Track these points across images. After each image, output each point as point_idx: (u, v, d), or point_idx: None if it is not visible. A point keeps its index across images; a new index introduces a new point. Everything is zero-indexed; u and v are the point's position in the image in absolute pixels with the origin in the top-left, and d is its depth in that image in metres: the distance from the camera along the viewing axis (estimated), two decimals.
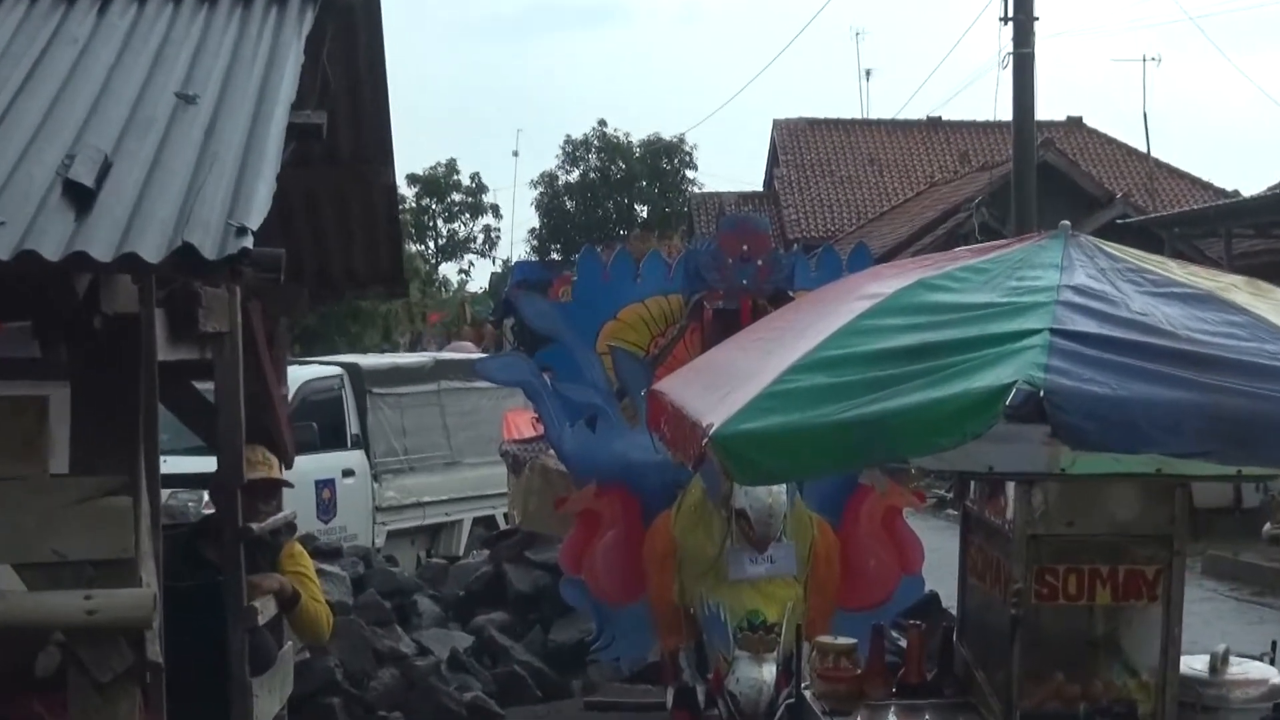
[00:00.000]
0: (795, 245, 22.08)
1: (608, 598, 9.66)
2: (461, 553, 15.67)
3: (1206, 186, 40.15)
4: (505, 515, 15.66)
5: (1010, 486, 5.32)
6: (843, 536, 9.49)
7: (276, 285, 5.68)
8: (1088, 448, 4.75)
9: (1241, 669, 5.47)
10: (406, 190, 59.97)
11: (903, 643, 6.21)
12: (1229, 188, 38.86)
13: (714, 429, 4.58)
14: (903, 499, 9.78)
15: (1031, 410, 4.42)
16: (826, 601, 9.27)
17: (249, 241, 4.38)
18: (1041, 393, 4.40)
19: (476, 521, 17.03)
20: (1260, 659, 5.62)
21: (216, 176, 4.73)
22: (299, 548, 7.43)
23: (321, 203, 7.79)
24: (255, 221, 4.49)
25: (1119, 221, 27.67)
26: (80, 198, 4.54)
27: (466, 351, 20.97)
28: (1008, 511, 5.33)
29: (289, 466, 7.64)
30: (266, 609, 6.75)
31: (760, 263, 9.82)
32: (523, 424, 13.32)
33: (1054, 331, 4.61)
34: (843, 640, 5.78)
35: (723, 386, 5.04)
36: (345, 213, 7.89)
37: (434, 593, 12.56)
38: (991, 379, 4.46)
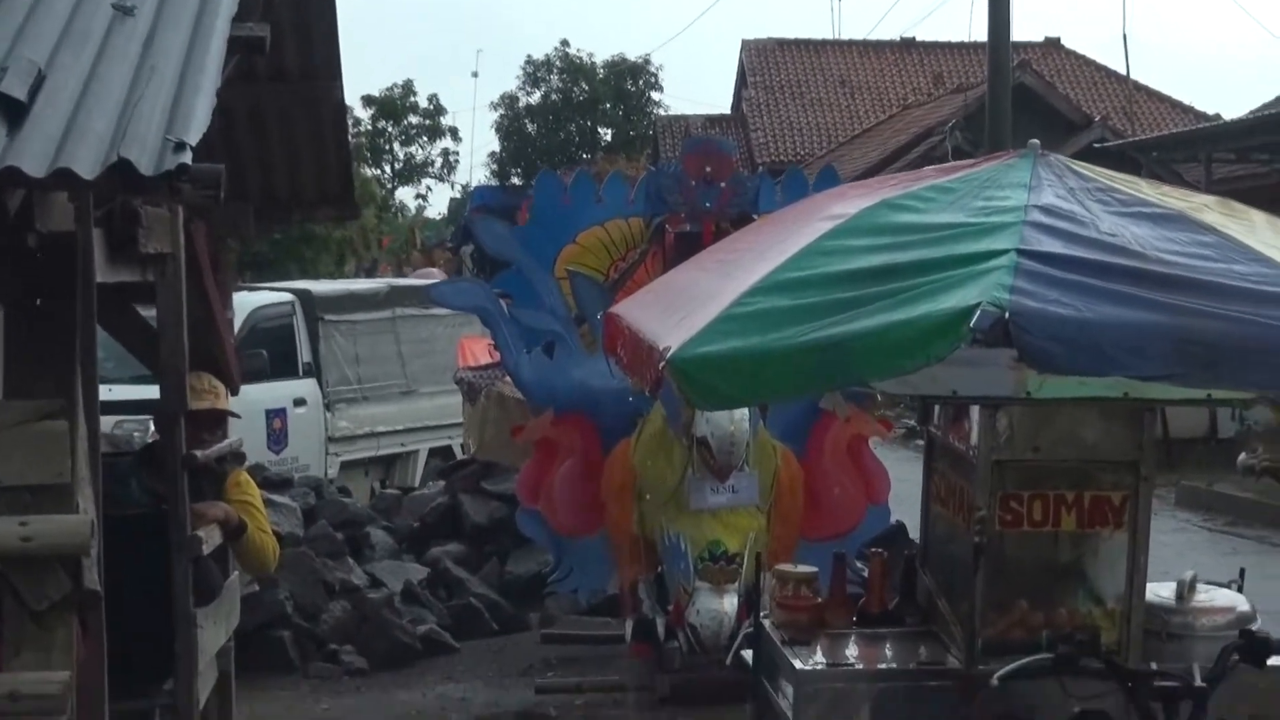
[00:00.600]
0: (761, 169, 21.95)
1: (565, 529, 9.58)
2: (417, 484, 15.52)
3: (1187, 110, 39.97)
4: (462, 445, 15.53)
5: (974, 411, 5.20)
6: (807, 466, 9.43)
7: (219, 204, 5.50)
8: (1053, 371, 4.62)
9: (1208, 597, 5.37)
10: (361, 113, 59.48)
11: (866, 572, 6.10)
12: (1210, 111, 38.67)
13: (671, 352, 4.44)
14: (869, 428, 9.70)
15: (997, 333, 4.30)
16: (790, 531, 9.21)
17: (187, 157, 4.23)
18: (1007, 314, 4.26)
19: (433, 452, 16.89)
20: (1228, 587, 5.52)
21: (154, 91, 4.57)
22: (245, 476, 7.28)
23: (268, 121, 7.62)
24: (194, 137, 4.33)
25: (1096, 145, 27.59)
26: (12, 111, 4.36)
27: (432, 279, 20.75)
28: (972, 437, 5.21)
29: (235, 394, 7.49)
30: (211, 538, 6.61)
31: (724, 185, 9.70)
32: (479, 351, 13.22)
33: (1020, 252, 4.47)
34: (803, 569, 5.66)
35: (681, 309, 4.90)
36: (292, 131, 7.72)
37: (387, 524, 12.43)
38: (956, 301, 4.33)
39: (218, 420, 7.21)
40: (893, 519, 9.81)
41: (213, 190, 4.49)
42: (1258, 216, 5.23)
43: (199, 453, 6.68)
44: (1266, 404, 17.77)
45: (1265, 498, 17.37)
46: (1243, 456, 18.69)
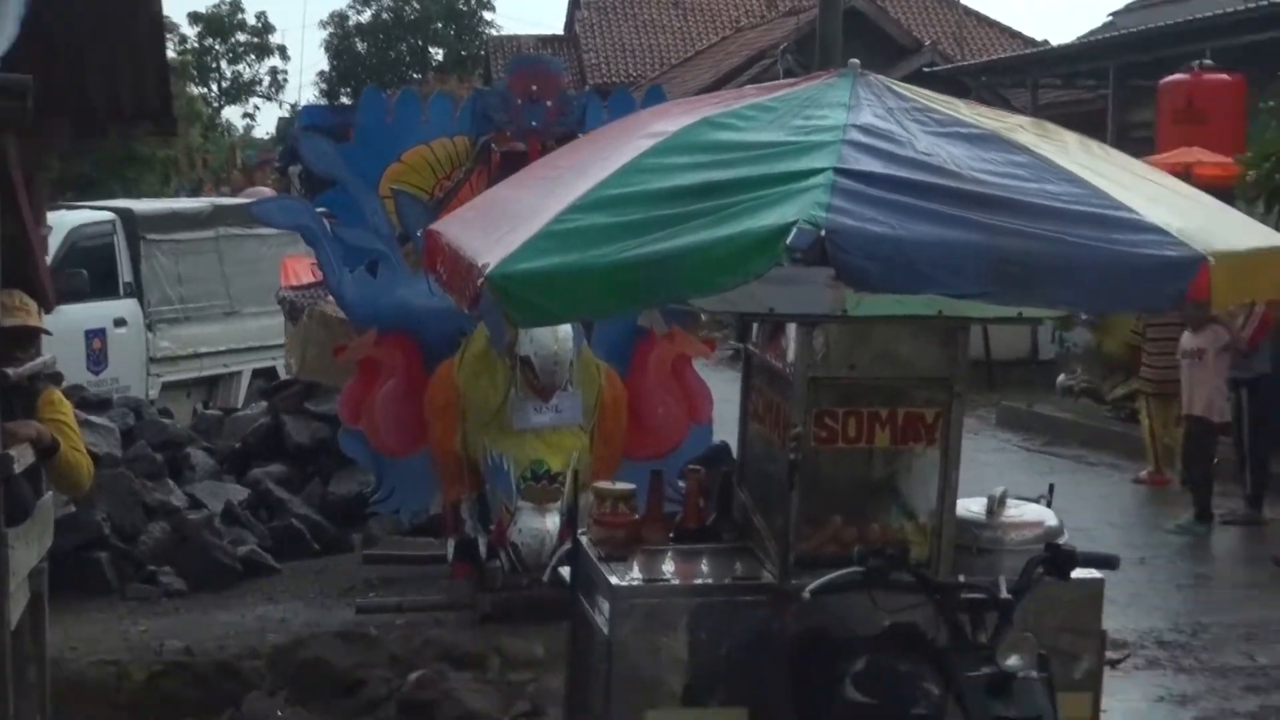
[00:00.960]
0: (588, 89, 21.84)
1: (387, 449, 9.53)
2: (240, 405, 15.34)
3: (1015, 36, 40.48)
4: (285, 365, 15.37)
5: (791, 329, 5.24)
6: (631, 385, 9.46)
7: (27, 116, 5.35)
8: (869, 288, 4.68)
9: (1017, 512, 5.48)
10: (188, 30, 58.38)
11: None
12: (1038, 37, 39.33)
13: (490, 269, 4.44)
14: (693, 348, 9.76)
15: (816, 251, 4.34)
16: (613, 451, 9.25)
17: None
18: (823, 232, 4.31)
19: (256, 373, 16.67)
20: (1037, 502, 5.64)
21: None
22: (58, 395, 7.13)
23: (82, 33, 7.40)
24: (1, 48, 4.20)
25: (926, 70, 27.85)
26: None
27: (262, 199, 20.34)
28: (789, 354, 5.25)
29: (49, 312, 7.33)
30: (23, 457, 6.47)
31: (550, 105, 9.66)
32: (301, 270, 13.03)
33: (838, 171, 4.52)
34: (621, 486, 5.68)
35: (501, 226, 4.89)
36: (109, 44, 7.51)
37: (208, 445, 12.27)
38: (774, 219, 4.37)
39: (30, 338, 7.05)
40: (717, 439, 9.87)
41: (22, 100, 4.37)
42: (1070, 137, 5.32)
43: (10, 371, 6.54)
44: (1084, 325, 18.25)
45: (1082, 418, 17.80)
46: (1061, 378, 19.15)
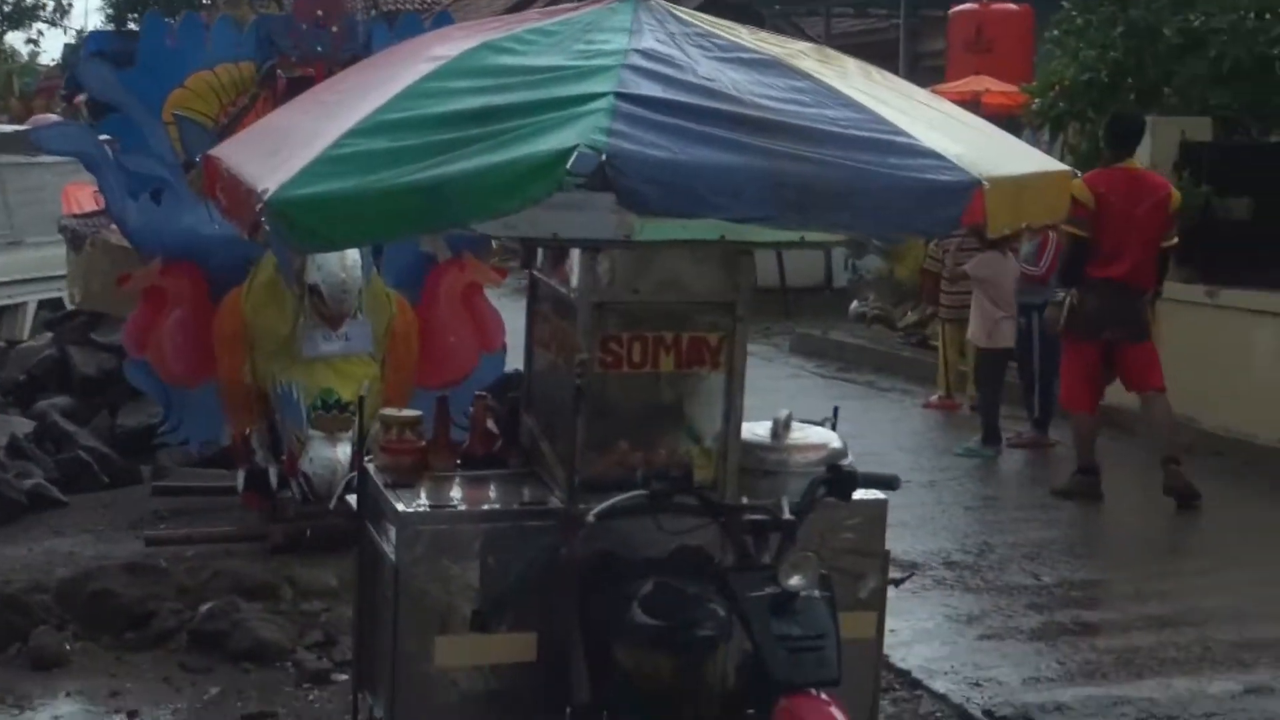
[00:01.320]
0: (372, 13, 21.55)
1: (175, 379, 9.41)
2: (25, 336, 14.98)
3: None
4: (69, 295, 15.05)
5: (575, 254, 5.24)
6: (422, 313, 9.43)
7: None
8: (649, 213, 4.71)
9: (802, 434, 5.53)
10: None
11: None
12: None
13: (269, 194, 4.38)
14: (484, 276, 9.74)
15: (599, 176, 4.36)
16: (404, 379, 9.22)
17: None
18: (604, 156, 4.32)
19: (42, 304, 16.27)
20: (821, 424, 5.70)
21: None
22: None
23: None
24: None
25: None
26: None
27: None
28: (573, 279, 5.25)
29: None
30: None
31: (336, 29, 9.54)
32: (83, 198, 12.76)
33: (619, 95, 4.51)
34: (408, 413, 5.64)
35: (281, 151, 4.82)
36: None
37: None
38: (554, 143, 4.36)
39: None
40: (510, 368, 9.87)
41: None
42: (851, 63, 5.37)
43: None
44: (876, 252, 18.53)
45: (874, 344, 18.11)
46: (854, 304, 19.46)
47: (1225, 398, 13.08)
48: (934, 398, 15.15)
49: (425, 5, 36.34)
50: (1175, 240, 11.63)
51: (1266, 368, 12.88)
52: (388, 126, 4.59)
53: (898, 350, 17.68)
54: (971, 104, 16.66)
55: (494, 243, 9.02)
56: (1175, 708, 7.39)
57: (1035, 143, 14.65)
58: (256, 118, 9.00)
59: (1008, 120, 15.77)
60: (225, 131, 9.14)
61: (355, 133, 4.58)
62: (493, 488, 5.49)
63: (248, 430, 9.19)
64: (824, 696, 4.49)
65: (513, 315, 9.82)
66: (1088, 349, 11.36)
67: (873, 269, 18.99)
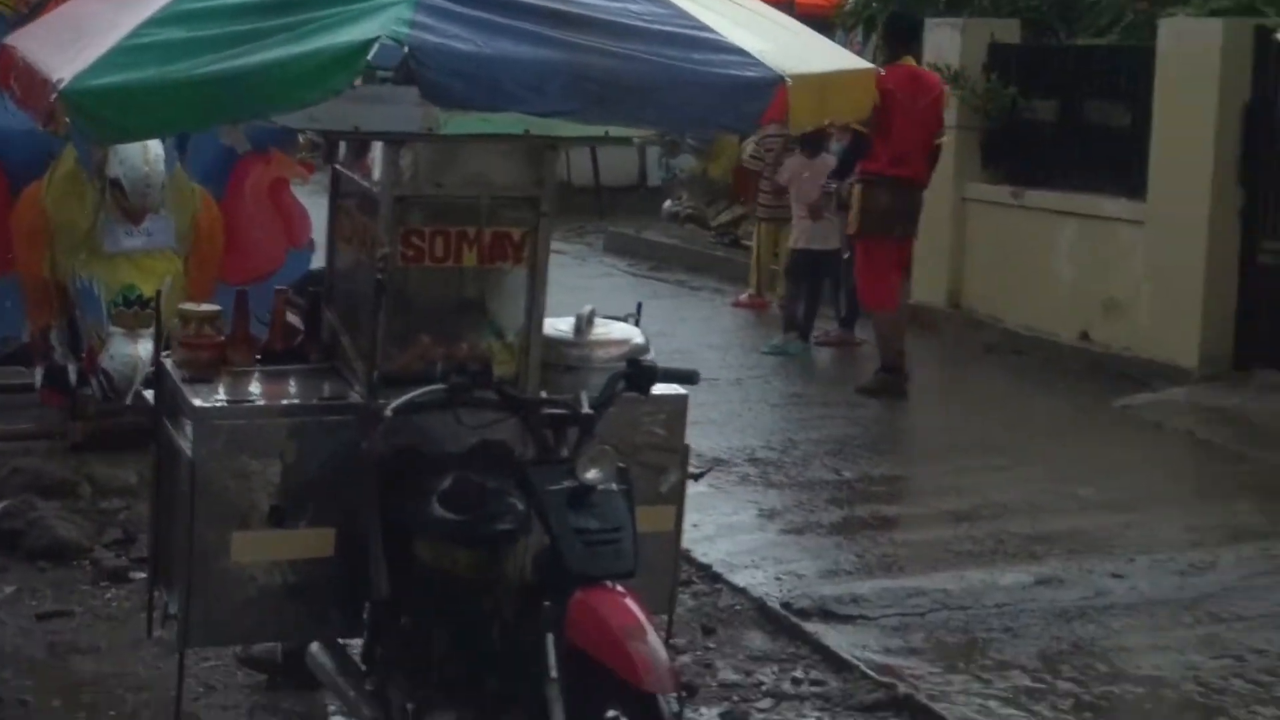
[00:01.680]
0: None
1: None
2: None
3: None
4: None
5: (378, 147, 5.19)
6: (226, 209, 9.29)
7: None
8: (452, 106, 4.70)
9: (605, 330, 5.54)
10: None
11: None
12: None
13: (64, 84, 4.33)
14: (290, 170, 9.61)
15: (406, 69, 4.34)
16: (208, 275, 9.08)
17: None
18: (406, 48, 4.30)
19: None
20: (625, 320, 5.72)
21: None
22: None
23: None
24: None
25: None
26: None
27: None
28: (375, 172, 5.20)
29: None
30: None
31: None
32: None
33: None
34: (206, 307, 5.56)
35: (78, 41, 4.75)
36: None
37: None
38: (355, 34, 4.36)
39: None
40: (317, 265, 9.77)
41: None
42: None
43: None
44: (690, 151, 18.51)
45: (686, 243, 18.23)
46: (668, 204, 19.53)
47: (1028, 297, 13.39)
48: (744, 296, 15.28)
49: None
50: (944, 138, 11.88)
51: (1069, 268, 13.19)
52: (186, 16, 4.54)
53: (710, 250, 17.81)
54: (785, 4, 16.71)
55: (300, 137, 8.88)
56: (968, 598, 7.58)
57: (847, 44, 14.79)
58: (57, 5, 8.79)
59: (821, 21, 15.84)
60: (25, 20, 8.89)
61: (153, 22, 4.54)
62: (292, 383, 5.44)
63: (47, 326, 9.02)
64: (619, 588, 4.54)
65: (321, 212, 9.72)
66: (883, 246, 11.56)
67: (686, 168, 19.05)
